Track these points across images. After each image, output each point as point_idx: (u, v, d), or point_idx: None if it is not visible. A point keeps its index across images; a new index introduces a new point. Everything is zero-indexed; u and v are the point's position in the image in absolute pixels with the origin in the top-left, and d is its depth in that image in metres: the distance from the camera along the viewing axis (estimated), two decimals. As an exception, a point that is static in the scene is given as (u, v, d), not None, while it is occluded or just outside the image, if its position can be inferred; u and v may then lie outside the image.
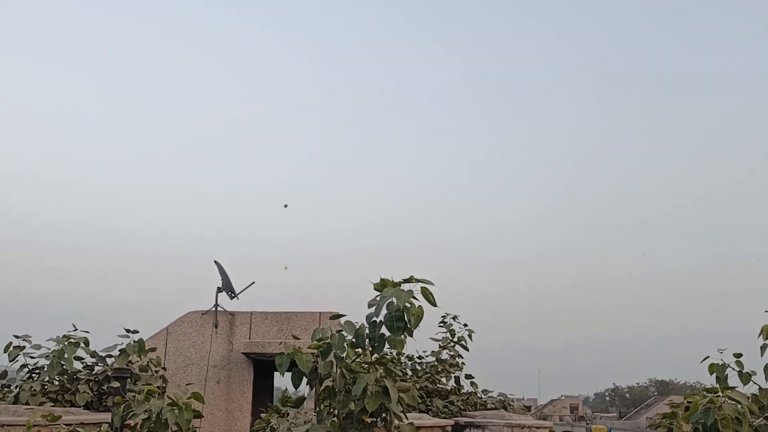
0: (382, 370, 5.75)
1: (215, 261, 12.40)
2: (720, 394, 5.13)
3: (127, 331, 10.04)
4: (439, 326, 14.80)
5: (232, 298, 12.34)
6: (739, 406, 4.93)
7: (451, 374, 14.47)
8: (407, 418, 5.98)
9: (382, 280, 5.34)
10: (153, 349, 10.82)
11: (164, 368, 10.85)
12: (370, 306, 5.42)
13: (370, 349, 5.67)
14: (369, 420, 5.65)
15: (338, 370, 5.74)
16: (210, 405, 11.85)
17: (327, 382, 5.86)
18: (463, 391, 14.56)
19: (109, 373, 9.61)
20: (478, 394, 14.67)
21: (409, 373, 14.54)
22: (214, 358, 12.07)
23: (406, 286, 5.32)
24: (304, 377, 5.78)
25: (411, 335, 5.60)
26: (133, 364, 10.18)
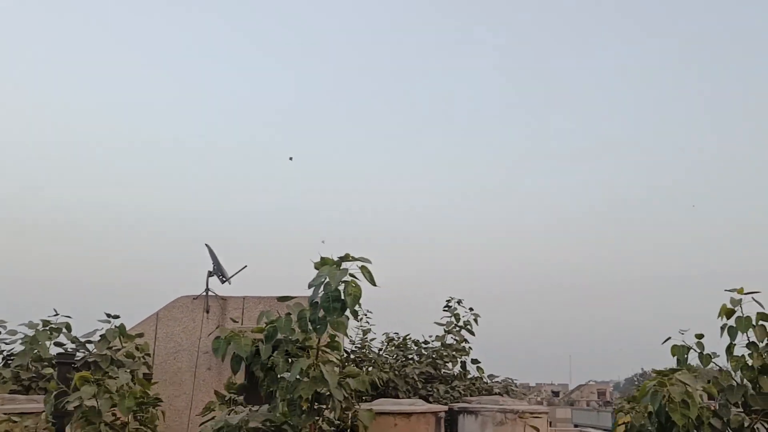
0: (330, 355, 5.46)
1: (206, 244, 12.19)
2: (671, 376, 4.80)
3: (108, 315, 9.86)
4: (444, 310, 14.51)
5: (223, 282, 12.12)
6: (688, 388, 4.58)
7: (457, 359, 14.19)
8: (356, 405, 5.71)
9: (322, 258, 5.04)
10: (140, 335, 10.64)
11: (149, 354, 10.67)
12: (310, 287, 5.13)
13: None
14: (308, 406, 5.38)
15: (281, 355, 5.46)
16: (200, 392, 11.65)
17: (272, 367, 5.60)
18: (469, 376, 14.29)
19: (89, 360, 9.43)
20: (484, 379, 14.39)
21: (416, 357, 14.29)
22: (205, 344, 11.85)
23: (345, 265, 5.02)
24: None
25: (356, 317, 5.31)
26: (119, 351, 10.01)
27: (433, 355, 13.96)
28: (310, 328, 5.28)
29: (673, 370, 4.84)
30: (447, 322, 14.41)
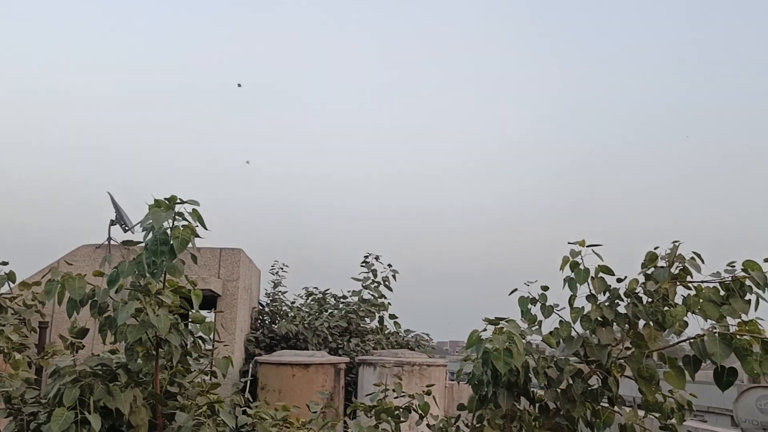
0: (170, 299, 5.36)
1: (108, 192, 11.94)
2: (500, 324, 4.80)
3: (-4, 262, 9.61)
4: (361, 266, 14.53)
5: (125, 231, 11.90)
6: (512, 336, 4.57)
7: (375, 314, 14.25)
8: (204, 352, 5.64)
9: (156, 200, 4.91)
10: (38, 283, 10.41)
11: (42, 303, 10.47)
12: (142, 230, 5.01)
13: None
14: (144, 351, 5.32)
15: (123, 301, 5.36)
16: (99, 341, 11.50)
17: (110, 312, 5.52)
18: (386, 331, 14.39)
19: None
20: (401, 334, 14.51)
21: (335, 312, 14.30)
22: (107, 293, 11.65)
23: (179, 208, 4.90)
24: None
25: (195, 261, 5.25)
26: (14, 300, 9.83)
27: (348, 310, 14.02)
28: (148, 273, 5.17)
29: (500, 319, 4.83)
30: (364, 277, 14.44)
